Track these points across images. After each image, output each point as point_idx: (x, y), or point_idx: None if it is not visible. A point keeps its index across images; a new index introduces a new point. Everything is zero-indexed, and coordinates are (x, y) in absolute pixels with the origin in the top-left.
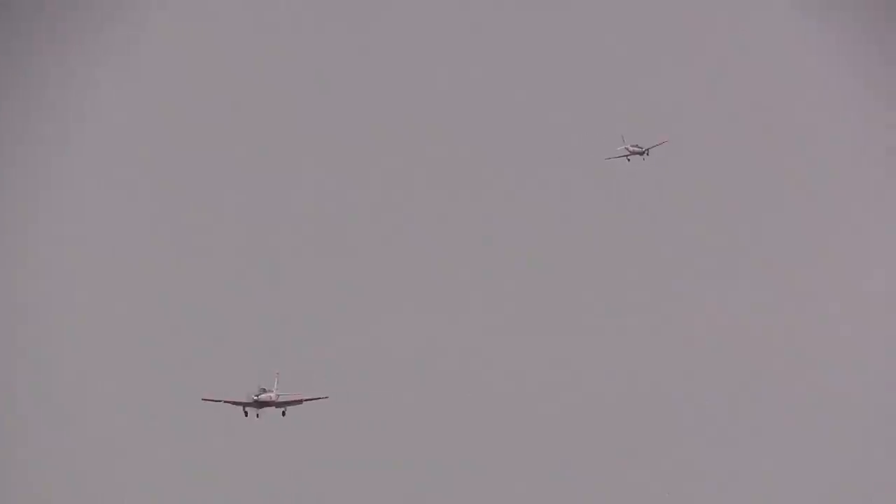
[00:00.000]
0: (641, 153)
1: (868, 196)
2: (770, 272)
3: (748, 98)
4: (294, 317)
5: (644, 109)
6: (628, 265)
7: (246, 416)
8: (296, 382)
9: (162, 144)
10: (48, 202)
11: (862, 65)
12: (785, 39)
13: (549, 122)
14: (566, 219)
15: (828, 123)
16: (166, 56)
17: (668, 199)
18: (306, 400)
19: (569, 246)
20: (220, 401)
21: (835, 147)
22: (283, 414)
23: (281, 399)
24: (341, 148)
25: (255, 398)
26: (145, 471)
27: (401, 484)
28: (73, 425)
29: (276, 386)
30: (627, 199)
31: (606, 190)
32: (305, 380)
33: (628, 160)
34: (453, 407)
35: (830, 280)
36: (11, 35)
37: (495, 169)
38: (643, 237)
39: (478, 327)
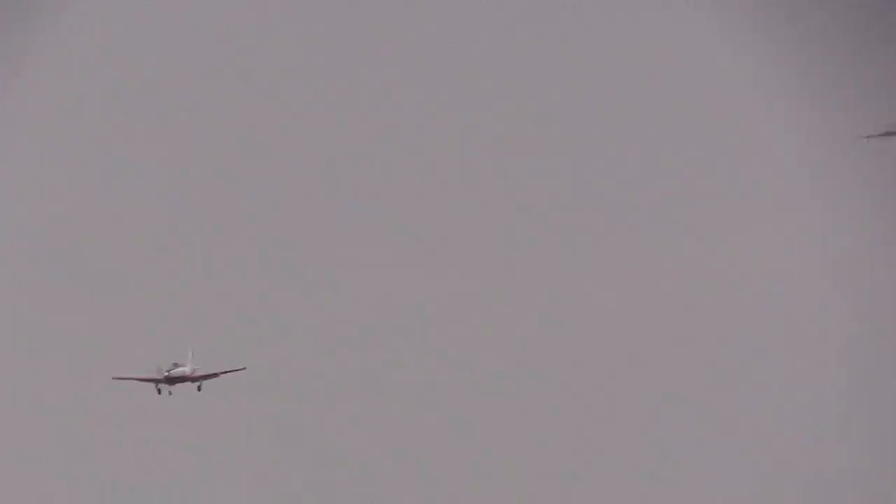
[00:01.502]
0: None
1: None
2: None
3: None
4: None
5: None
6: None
7: (159, 393)
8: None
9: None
10: None
11: None
12: None
13: None
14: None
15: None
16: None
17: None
18: (223, 373)
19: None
20: (131, 378)
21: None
22: (199, 389)
23: (196, 374)
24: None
25: (167, 374)
26: (56, 454)
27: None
28: None
29: (190, 360)
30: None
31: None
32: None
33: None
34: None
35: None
36: None
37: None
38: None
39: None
